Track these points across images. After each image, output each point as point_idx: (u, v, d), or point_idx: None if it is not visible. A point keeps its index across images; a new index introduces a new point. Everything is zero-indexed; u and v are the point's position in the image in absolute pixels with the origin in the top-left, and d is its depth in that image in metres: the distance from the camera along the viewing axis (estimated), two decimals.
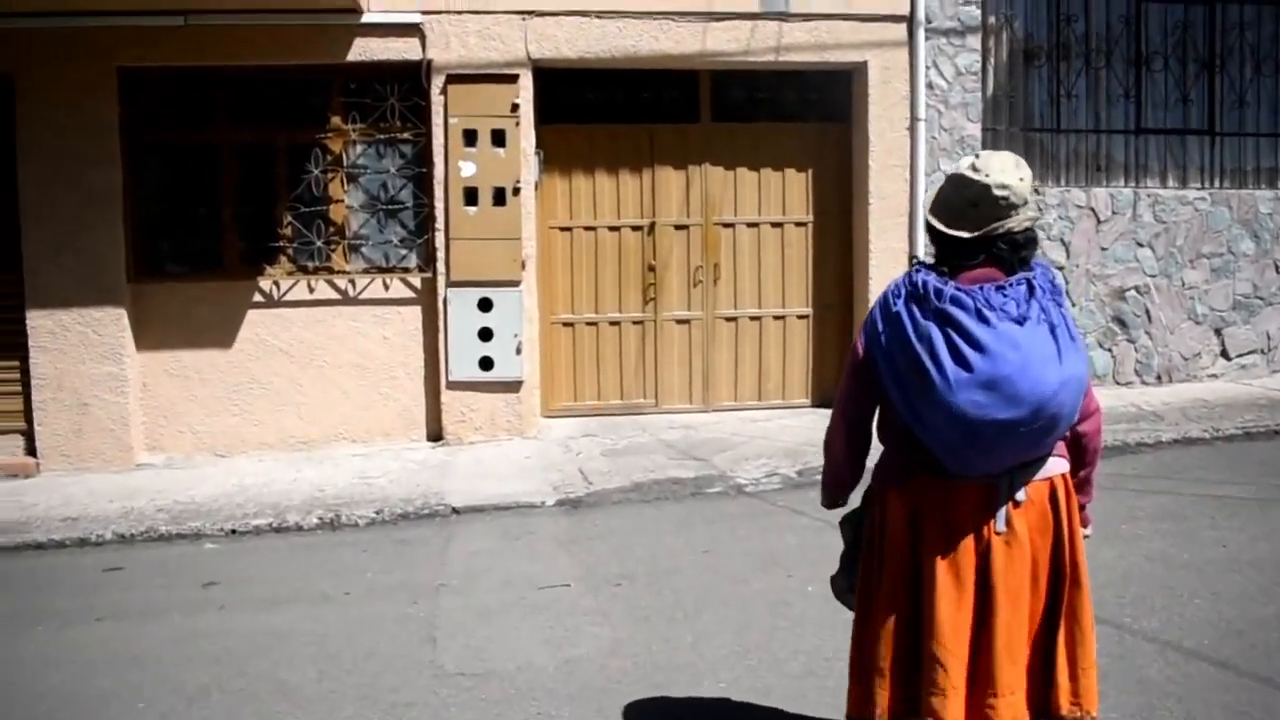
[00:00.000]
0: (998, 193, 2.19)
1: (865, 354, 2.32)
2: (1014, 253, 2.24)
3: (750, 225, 7.87)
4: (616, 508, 5.94)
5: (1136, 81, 8.36)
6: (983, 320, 2.14)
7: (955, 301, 2.17)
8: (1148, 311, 8.34)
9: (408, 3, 7.10)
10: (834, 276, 7.96)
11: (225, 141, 7.25)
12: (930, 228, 2.32)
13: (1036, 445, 2.21)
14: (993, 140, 7.99)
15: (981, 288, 2.19)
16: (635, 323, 7.83)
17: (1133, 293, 8.30)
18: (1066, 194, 8.09)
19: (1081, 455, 2.41)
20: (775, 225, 7.88)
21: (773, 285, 7.91)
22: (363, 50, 7.10)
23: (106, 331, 7.05)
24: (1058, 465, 2.31)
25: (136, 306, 7.14)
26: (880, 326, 2.26)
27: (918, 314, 2.19)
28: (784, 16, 7.40)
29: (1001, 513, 2.23)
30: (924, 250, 7.66)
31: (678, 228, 7.79)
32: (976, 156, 2.28)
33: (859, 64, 7.60)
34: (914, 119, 7.63)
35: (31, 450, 7.11)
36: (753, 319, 7.93)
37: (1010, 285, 2.20)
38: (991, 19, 7.97)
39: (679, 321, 7.87)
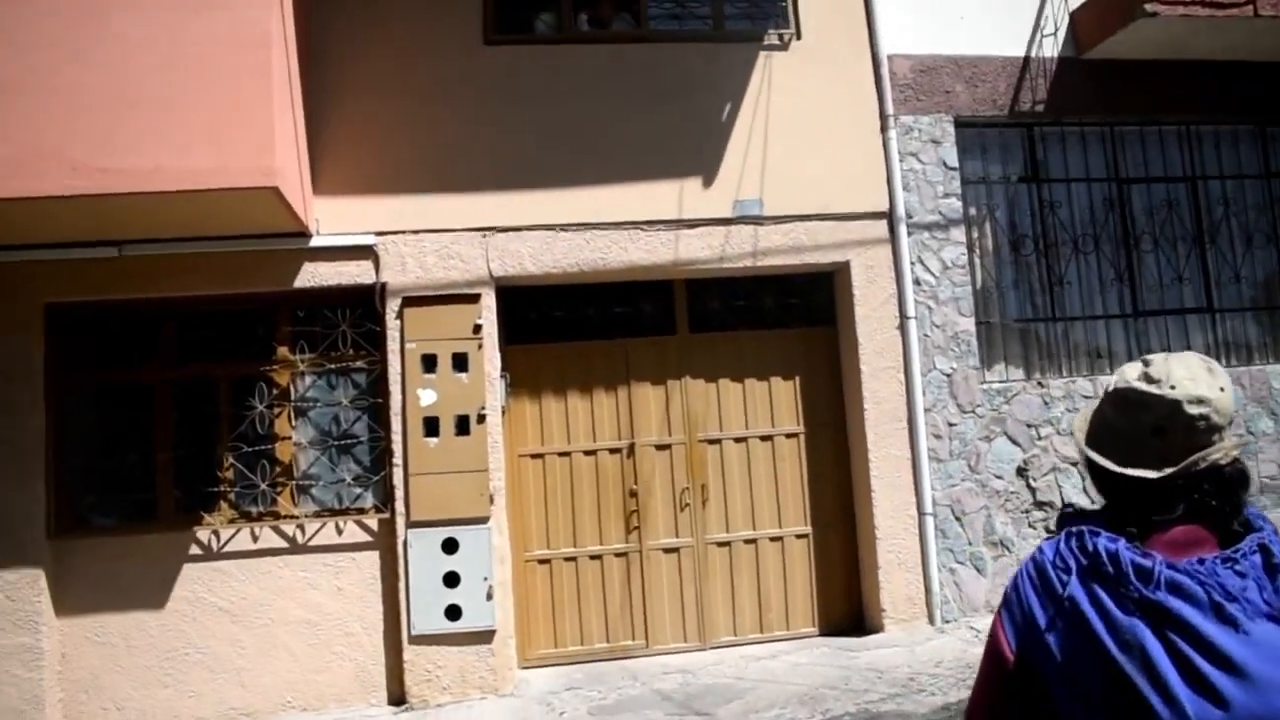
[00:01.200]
0: (1192, 410, 1.51)
1: (1019, 661, 1.51)
2: (1226, 498, 1.51)
3: (738, 440, 7.24)
4: None
5: (1128, 264, 8.01)
6: (1224, 619, 1.37)
7: (1175, 589, 1.40)
8: None
9: (360, 224, 6.67)
10: (833, 491, 7.29)
11: (161, 379, 6.63)
12: (1093, 467, 1.60)
13: None
14: (987, 333, 7.54)
15: (1201, 561, 1.44)
16: (618, 555, 7.06)
17: None
18: (1071, 385, 7.58)
19: None
20: (764, 439, 7.26)
21: (767, 504, 7.22)
22: (312, 276, 6.61)
23: (21, 596, 6.21)
24: None
25: (57, 566, 6.32)
26: (1041, 618, 1.49)
27: (1111, 606, 1.41)
28: (758, 220, 7.03)
29: None
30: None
31: (659, 447, 7.15)
32: (1146, 363, 1.55)
33: (841, 264, 7.19)
34: (904, 317, 7.17)
35: None
36: (747, 542, 7.18)
37: (1242, 556, 1.44)
38: (973, 210, 7.66)
39: (667, 550, 7.11)
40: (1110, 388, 1.63)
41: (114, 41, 5.57)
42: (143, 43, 5.61)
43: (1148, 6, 7.20)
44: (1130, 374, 1.57)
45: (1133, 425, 1.55)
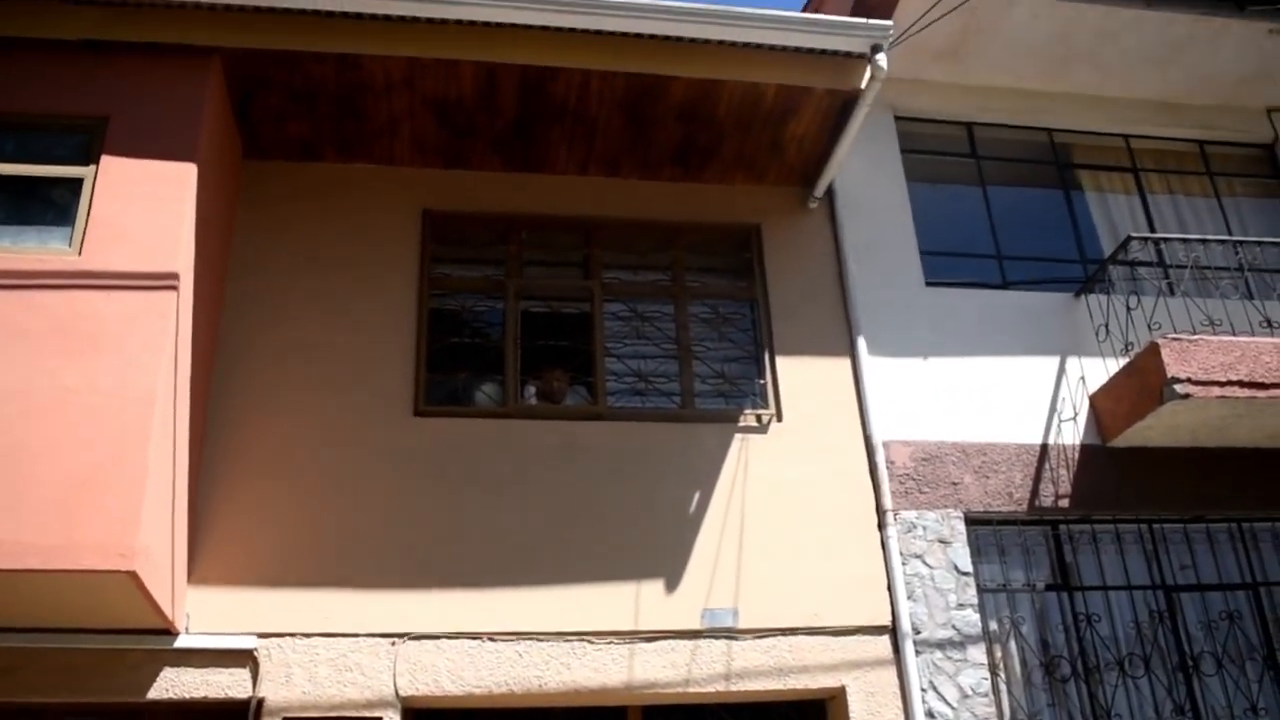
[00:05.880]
0: None
1: None
2: None
3: None
4: None
5: (1188, 690, 6.58)
6: None
7: None
8: None
9: (240, 622, 5.47)
10: None
11: None
12: None
13: None
14: None
15: None
16: None
17: None
18: None
19: None
20: None
21: None
22: (170, 685, 5.30)
23: None
24: None
25: None
26: None
27: None
28: (732, 634, 5.78)
29: None
30: None
31: None
32: None
33: (835, 690, 5.82)
34: None
35: None
36: None
37: None
38: (994, 624, 6.38)
39: None
40: None
41: None
42: (11, 391, 4.84)
43: (1177, 388, 6.37)
44: None
45: None
